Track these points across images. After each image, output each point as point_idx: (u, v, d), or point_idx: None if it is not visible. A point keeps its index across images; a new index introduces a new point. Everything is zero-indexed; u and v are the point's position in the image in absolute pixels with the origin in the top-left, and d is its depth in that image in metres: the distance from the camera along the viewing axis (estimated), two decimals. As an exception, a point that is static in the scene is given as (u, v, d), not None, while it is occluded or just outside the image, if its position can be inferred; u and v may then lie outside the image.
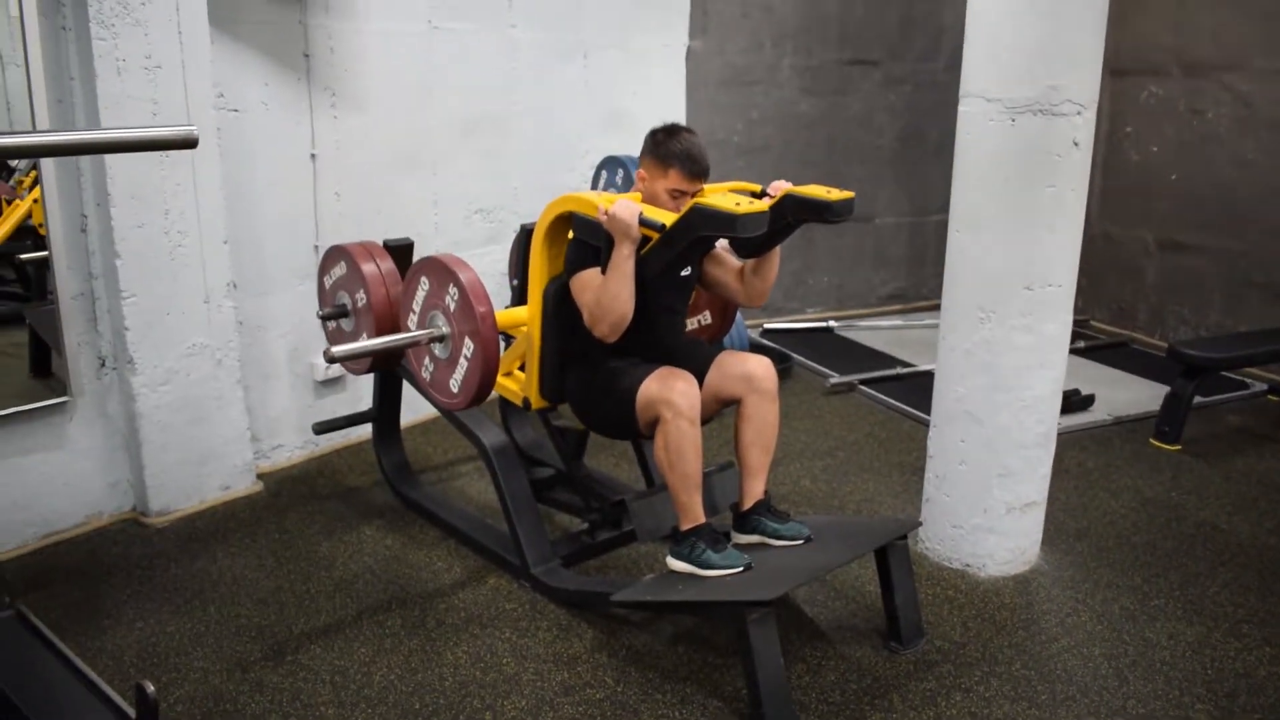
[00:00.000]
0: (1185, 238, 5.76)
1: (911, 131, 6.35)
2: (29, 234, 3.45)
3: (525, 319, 3.13)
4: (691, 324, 3.49)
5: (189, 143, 1.91)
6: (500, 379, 3.25)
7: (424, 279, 3.07)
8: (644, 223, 2.69)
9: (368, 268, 3.34)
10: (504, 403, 3.94)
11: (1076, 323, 5.45)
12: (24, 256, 3.45)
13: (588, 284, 2.82)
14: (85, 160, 3.30)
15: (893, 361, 5.40)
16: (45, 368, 3.47)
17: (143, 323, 3.41)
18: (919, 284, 6.68)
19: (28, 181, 3.46)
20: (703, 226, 2.59)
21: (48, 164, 3.20)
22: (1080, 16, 2.88)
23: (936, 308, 3.37)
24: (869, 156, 6.29)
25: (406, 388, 3.68)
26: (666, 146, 2.84)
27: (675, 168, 2.82)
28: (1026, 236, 3.02)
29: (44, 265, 3.33)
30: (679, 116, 5.47)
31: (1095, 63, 2.97)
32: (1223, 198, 5.52)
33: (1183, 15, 5.62)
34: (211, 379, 3.62)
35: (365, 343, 3.15)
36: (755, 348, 5.23)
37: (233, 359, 3.67)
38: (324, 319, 3.56)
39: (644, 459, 3.52)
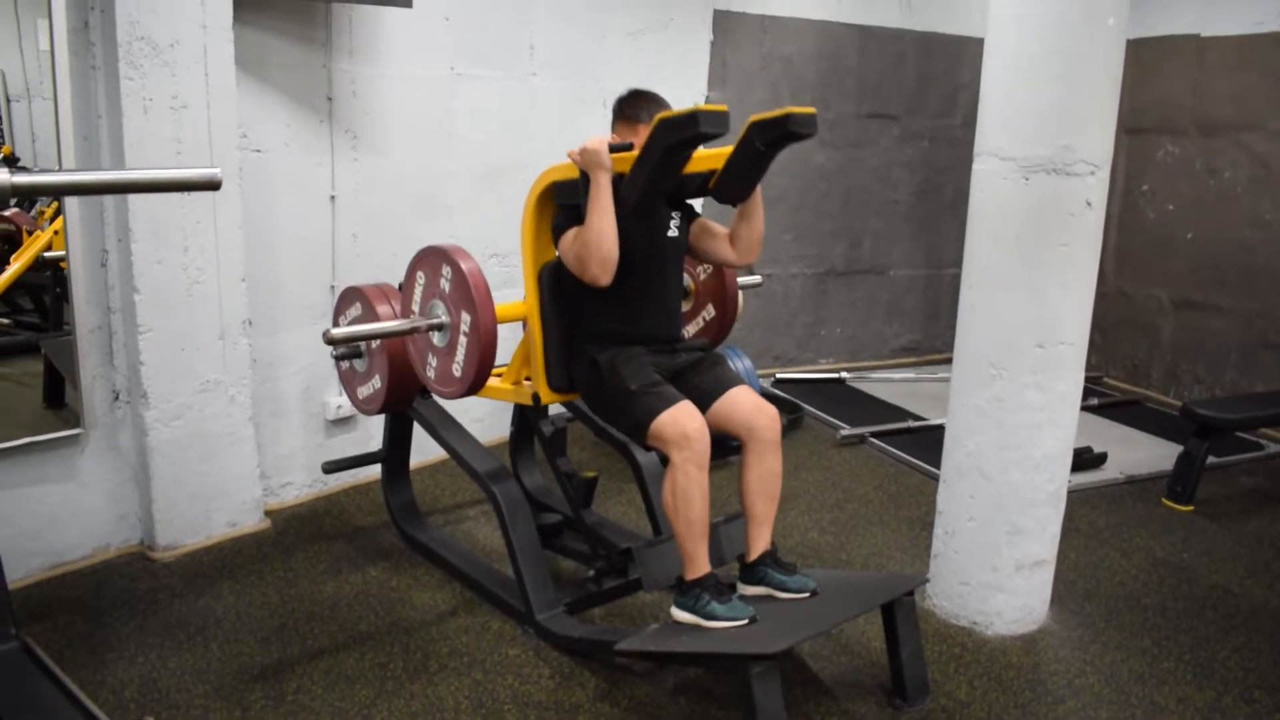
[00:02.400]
0: (1201, 297, 5.75)
1: (928, 186, 6.38)
2: (48, 265, 3.49)
3: (523, 311, 3.14)
4: (696, 323, 3.52)
5: (212, 185, 1.95)
6: (509, 387, 3.25)
7: (420, 272, 3.10)
8: (614, 148, 2.79)
9: (383, 309, 3.36)
10: (513, 447, 3.96)
11: (1090, 380, 5.43)
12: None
13: (573, 237, 2.87)
14: (109, 196, 3.35)
15: (904, 415, 5.39)
16: (59, 398, 3.50)
17: (158, 357, 3.44)
18: (932, 337, 6.68)
19: (49, 213, 3.51)
20: (668, 133, 2.66)
21: (71, 199, 3.24)
22: (1094, 78, 2.91)
23: (949, 361, 3.37)
24: (885, 210, 6.32)
25: (416, 429, 3.69)
26: (634, 104, 2.97)
27: (645, 120, 2.89)
28: (1039, 294, 3.02)
29: (61, 296, 3.37)
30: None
31: (1109, 123, 2.99)
32: (1239, 257, 5.52)
33: (1200, 75, 5.65)
34: (224, 415, 3.63)
35: (366, 326, 3.16)
36: (766, 399, 5.22)
37: (245, 396, 3.69)
38: (338, 359, 3.58)
39: (651, 508, 3.52)
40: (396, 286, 3.48)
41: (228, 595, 3.35)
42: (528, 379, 3.20)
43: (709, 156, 2.94)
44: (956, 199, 6.22)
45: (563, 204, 2.98)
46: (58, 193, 3.03)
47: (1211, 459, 4.44)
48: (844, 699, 2.88)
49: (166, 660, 2.97)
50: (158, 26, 3.23)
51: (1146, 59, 5.78)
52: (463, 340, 2.97)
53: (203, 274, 3.49)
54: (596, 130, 4.94)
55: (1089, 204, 2.98)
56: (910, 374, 6.25)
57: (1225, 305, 5.61)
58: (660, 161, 2.72)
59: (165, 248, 3.39)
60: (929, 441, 4.71)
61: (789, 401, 5.43)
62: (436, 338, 3.08)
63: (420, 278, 3.10)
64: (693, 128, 2.61)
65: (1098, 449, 4.69)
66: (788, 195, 5.97)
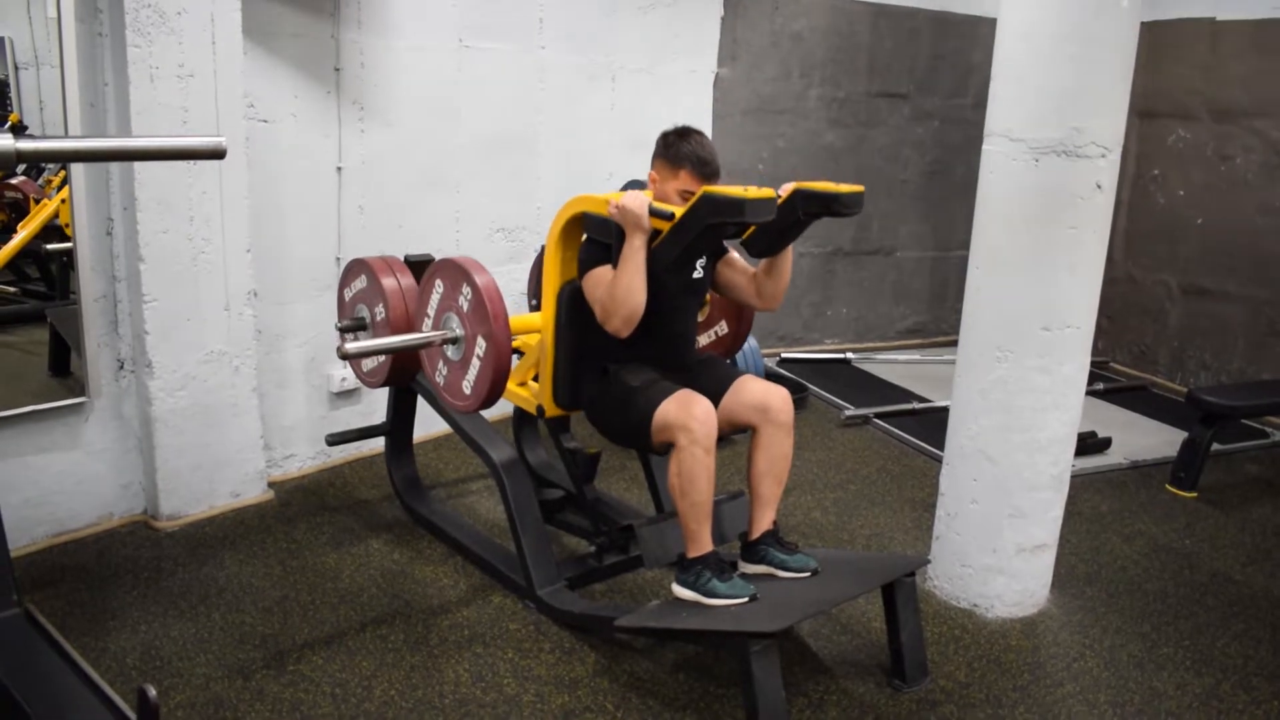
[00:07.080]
0: (1209, 283, 5.73)
1: (937, 166, 6.35)
2: (55, 233, 3.49)
3: (539, 324, 3.14)
4: (708, 336, 3.50)
5: (217, 154, 1.93)
6: (514, 388, 3.25)
7: (439, 281, 3.08)
8: (654, 212, 2.71)
9: (388, 282, 3.36)
10: (517, 422, 3.96)
11: (1096, 364, 5.42)
12: (50, 247, 3.47)
13: (600, 280, 2.83)
14: (114, 165, 3.34)
15: (909, 396, 5.38)
16: (64, 367, 3.50)
17: (163, 327, 3.44)
18: (939, 319, 6.66)
19: (56, 181, 3.51)
20: (712, 213, 2.61)
21: (77, 167, 3.24)
22: (1107, 60, 2.88)
23: (955, 344, 3.36)
24: (894, 189, 6.29)
25: (420, 403, 3.69)
26: (678, 148, 2.87)
27: (686, 168, 2.84)
28: (1046, 277, 3.01)
29: (68, 265, 3.37)
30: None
31: (1121, 106, 2.96)
32: (1248, 244, 5.49)
33: (1213, 60, 5.61)
34: (228, 386, 3.64)
35: (379, 340, 3.16)
36: (771, 377, 5.22)
37: (250, 367, 3.69)
38: (342, 331, 3.58)
39: (654, 484, 3.52)
40: (402, 258, 3.47)
41: (230, 565, 3.36)
42: (535, 379, 3.21)
43: None
44: (966, 180, 6.18)
45: (593, 237, 2.93)
46: (63, 159, 3.02)
47: (1216, 446, 4.44)
48: (843, 679, 2.89)
49: (169, 629, 2.98)
50: (165, -6, 3.22)
51: (1160, 42, 5.74)
52: (476, 362, 2.98)
53: (208, 244, 3.49)
54: (602, 106, 4.93)
55: (1099, 187, 2.96)
56: (916, 355, 6.24)
57: (1234, 292, 5.59)
58: (698, 236, 2.69)
59: (171, 217, 3.39)
60: (933, 423, 4.71)
61: (794, 381, 5.43)
62: (450, 351, 3.08)
63: (438, 287, 3.08)
64: (737, 215, 2.58)
65: (1102, 434, 4.69)
66: (797, 174, 5.92)
